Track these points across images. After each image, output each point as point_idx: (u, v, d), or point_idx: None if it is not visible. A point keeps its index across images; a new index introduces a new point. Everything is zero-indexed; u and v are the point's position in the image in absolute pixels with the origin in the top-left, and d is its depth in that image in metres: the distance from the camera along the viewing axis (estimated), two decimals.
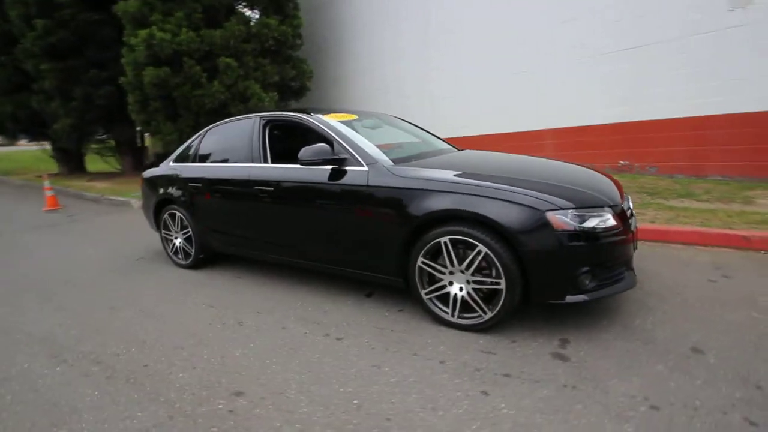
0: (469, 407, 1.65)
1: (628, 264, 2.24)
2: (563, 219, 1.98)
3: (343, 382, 1.89)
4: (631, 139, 5.89)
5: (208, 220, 3.43)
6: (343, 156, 2.60)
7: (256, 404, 1.77)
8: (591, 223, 2.02)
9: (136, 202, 8.05)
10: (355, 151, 2.59)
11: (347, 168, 2.58)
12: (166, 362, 2.17)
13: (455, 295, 2.25)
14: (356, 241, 2.58)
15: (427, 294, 2.35)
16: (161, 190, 3.77)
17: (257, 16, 9.38)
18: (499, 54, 7.34)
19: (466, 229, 2.12)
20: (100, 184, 10.22)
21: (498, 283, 2.10)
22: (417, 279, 2.35)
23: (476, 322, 2.21)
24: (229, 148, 3.37)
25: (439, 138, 3.68)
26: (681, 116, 5.39)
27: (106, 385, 2.00)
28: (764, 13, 4.57)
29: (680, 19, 5.20)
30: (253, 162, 3.09)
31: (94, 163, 13.87)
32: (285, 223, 2.92)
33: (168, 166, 3.82)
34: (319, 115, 2.94)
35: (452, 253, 2.19)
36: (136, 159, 12.14)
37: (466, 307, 2.24)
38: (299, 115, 2.99)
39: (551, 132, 6.78)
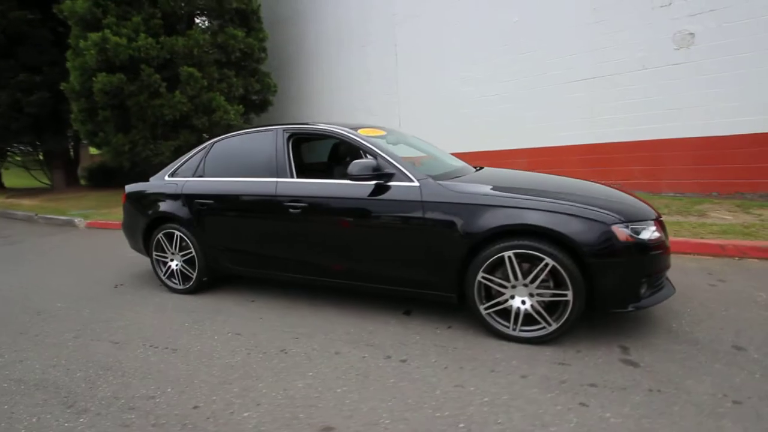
0: (579, 421, 1.66)
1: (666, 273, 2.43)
2: (626, 231, 2.11)
3: (435, 406, 1.80)
4: (593, 159, 6.49)
5: (220, 240, 3.14)
6: (389, 171, 2.55)
7: None
8: (645, 234, 2.18)
9: (81, 222, 7.15)
10: (403, 167, 2.55)
11: (393, 183, 2.53)
12: (220, 401, 1.91)
13: (517, 308, 2.28)
14: (408, 257, 2.51)
15: (486, 309, 2.34)
16: (155, 208, 3.38)
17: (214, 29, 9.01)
18: (469, 79, 7.76)
19: (534, 243, 2.17)
20: (27, 201, 8.92)
21: (565, 295, 2.16)
22: (476, 294, 2.35)
23: (540, 334, 2.25)
24: (245, 162, 3.14)
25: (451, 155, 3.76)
26: (636, 140, 6.07)
27: None
28: (703, 53, 5.36)
29: (631, 55, 5.91)
30: (279, 176, 2.91)
31: (9, 178, 12.12)
32: (322, 240, 2.76)
33: (164, 182, 3.45)
34: (355, 130, 2.86)
35: (516, 266, 2.23)
36: (69, 173, 10.82)
37: (527, 320, 2.27)
38: (335, 129, 2.87)
39: (520, 152, 7.26)
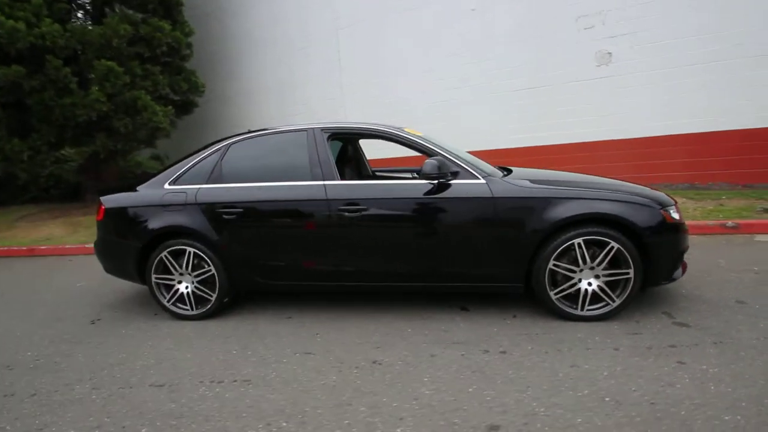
0: (690, 376, 1.90)
1: None
2: (671, 214, 2.49)
3: (570, 387, 1.89)
4: (537, 160, 7.30)
5: (252, 253, 2.79)
6: (455, 169, 2.58)
7: None
8: (676, 216, 2.60)
9: None
10: (467, 165, 2.61)
11: (458, 181, 2.57)
12: (356, 424, 1.73)
13: (585, 290, 2.50)
14: (479, 252, 2.57)
15: (555, 294, 2.53)
16: (156, 222, 2.86)
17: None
18: (417, 86, 8.08)
19: (602, 230, 2.42)
20: None
21: (627, 273, 2.45)
22: (546, 281, 2.52)
23: (606, 311, 2.50)
24: (275, 165, 2.86)
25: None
26: (571, 142, 7.02)
27: None
28: (619, 69, 6.45)
29: (564, 68, 6.83)
30: (325, 179, 2.71)
31: None
32: (383, 244, 2.66)
33: (164, 191, 2.93)
34: (401, 130, 2.82)
35: (585, 252, 2.46)
36: None
37: (592, 300, 2.52)
38: (385, 128, 2.80)
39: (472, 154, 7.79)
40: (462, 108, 7.76)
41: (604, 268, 2.46)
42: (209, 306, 2.89)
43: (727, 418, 1.62)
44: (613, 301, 2.49)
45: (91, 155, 6.88)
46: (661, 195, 2.68)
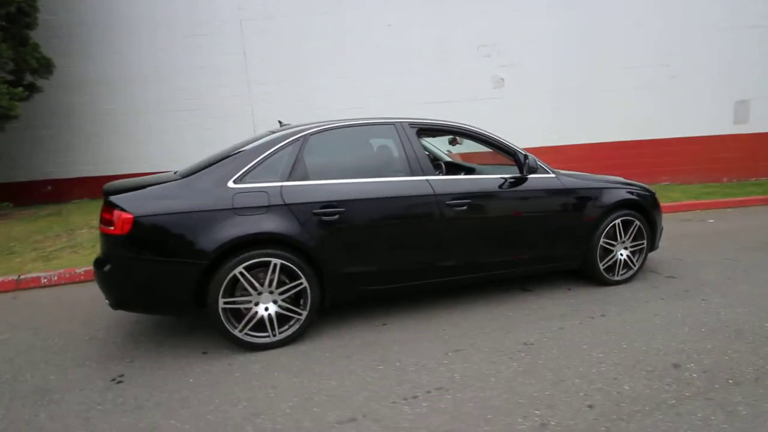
0: (703, 307, 2.76)
1: None
2: (657, 198, 3.44)
3: (694, 329, 2.48)
4: None
5: (357, 258, 2.48)
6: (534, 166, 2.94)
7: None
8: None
9: None
10: (542, 162, 2.99)
11: (536, 176, 2.94)
12: (606, 381, 1.87)
13: (619, 260, 3.21)
14: (557, 237, 2.99)
15: (603, 265, 3.15)
16: (229, 231, 2.22)
17: None
18: (330, 90, 8.05)
19: (631, 212, 3.17)
20: None
21: (643, 243, 3.27)
22: (598, 256, 3.12)
23: (630, 275, 3.25)
24: (365, 159, 2.63)
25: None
26: (471, 151, 8.24)
27: None
28: (511, 92, 7.97)
29: (469, 88, 8.00)
30: (425, 174, 2.65)
31: None
32: (484, 237, 2.78)
33: (232, 190, 2.30)
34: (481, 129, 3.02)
35: (621, 230, 3.16)
36: None
37: (622, 267, 3.25)
38: (472, 127, 2.95)
39: None
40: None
41: (631, 242, 3.23)
42: (297, 327, 2.41)
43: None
44: (634, 266, 3.28)
45: None
46: (647, 185, 3.64)
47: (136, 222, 2.16)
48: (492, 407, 1.80)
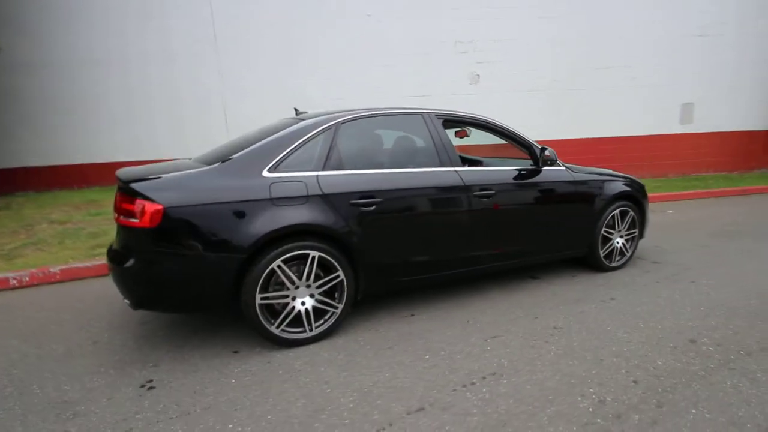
0: (682, 289, 3.07)
1: None
2: (645, 188, 3.73)
3: (704, 303, 2.72)
4: None
5: (393, 249, 2.46)
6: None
7: None
8: None
9: None
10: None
11: (549, 168, 3.08)
12: (636, 359, 2.01)
13: (618, 248, 3.45)
14: (568, 225, 3.16)
15: (603, 252, 3.38)
16: (268, 223, 2.10)
17: None
18: (313, 81, 7.84)
19: (628, 203, 3.41)
20: None
21: (635, 232, 3.54)
22: (600, 244, 3.33)
23: (624, 261, 3.51)
24: (396, 149, 2.59)
25: None
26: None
27: None
28: (486, 89, 8.20)
29: (447, 83, 8.12)
30: (453, 165, 2.68)
31: None
32: (506, 226, 2.86)
33: (268, 179, 2.17)
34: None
35: (619, 219, 3.40)
36: None
37: (618, 254, 3.49)
38: (488, 118, 2.97)
39: None
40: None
41: (626, 230, 3.49)
42: (333, 321, 2.35)
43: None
44: (628, 252, 3.54)
45: None
46: (637, 178, 3.92)
47: (167, 213, 1.98)
48: (550, 388, 1.88)
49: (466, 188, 2.67)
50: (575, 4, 8.15)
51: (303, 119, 2.55)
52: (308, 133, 2.39)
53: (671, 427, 1.62)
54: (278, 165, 2.26)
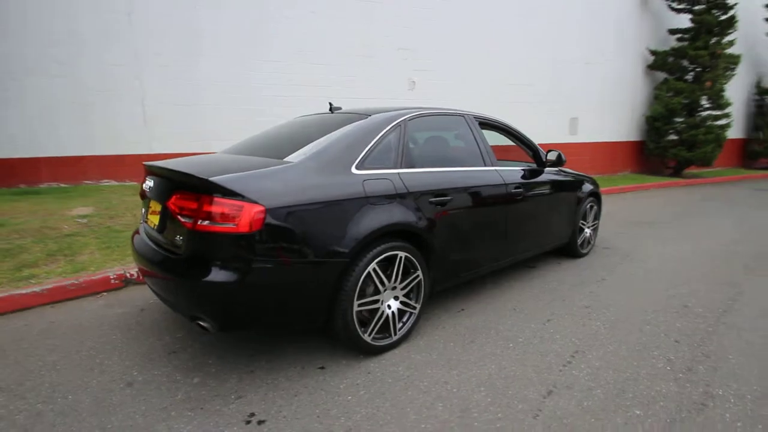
0: (612, 279, 3.85)
1: None
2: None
3: (667, 284, 3.36)
4: None
5: (459, 246, 2.51)
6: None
7: None
8: None
9: None
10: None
11: (548, 168, 3.49)
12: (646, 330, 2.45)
13: (587, 237, 4.07)
14: (563, 220, 3.60)
15: (580, 243, 3.95)
16: (368, 223, 1.96)
17: None
18: (260, 75, 7.21)
19: (594, 198, 4.06)
20: None
21: (597, 222, 4.22)
22: (578, 236, 3.89)
23: (589, 249, 4.17)
24: (449, 149, 2.64)
25: None
26: None
27: None
28: (421, 95, 8.63)
29: (388, 86, 8.30)
30: (493, 165, 2.86)
31: None
32: (530, 222, 3.16)
33: (359, 176, 2.02)
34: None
35: (588, 212, 4.01)
36: None
37: (587, 242, 4.12)
38: (511, 125, 3.24)
39: None
40: (296, 109, 7.67)
41: (591, 222, 4.14)
42: (411, 322, 2.29)
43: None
44: (593, 241, 4.22)
45: None
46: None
47: (269, 216, 1.69)
48: (625, 357, 2.18)
49: (504, 185, 2.88)
50: (496, 43, 9.21)
51: (353, 114, 2.45)
52: (382, 129, 2.29)
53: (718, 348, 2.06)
54: (363, 161, 2.12)
